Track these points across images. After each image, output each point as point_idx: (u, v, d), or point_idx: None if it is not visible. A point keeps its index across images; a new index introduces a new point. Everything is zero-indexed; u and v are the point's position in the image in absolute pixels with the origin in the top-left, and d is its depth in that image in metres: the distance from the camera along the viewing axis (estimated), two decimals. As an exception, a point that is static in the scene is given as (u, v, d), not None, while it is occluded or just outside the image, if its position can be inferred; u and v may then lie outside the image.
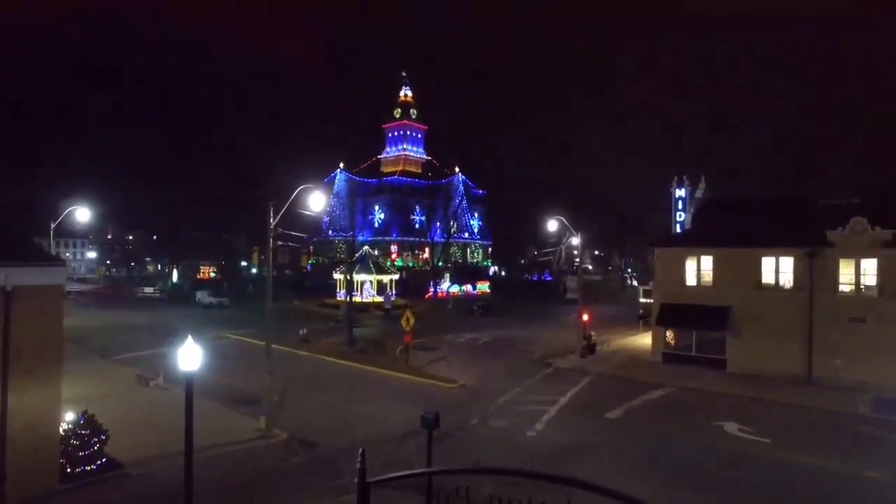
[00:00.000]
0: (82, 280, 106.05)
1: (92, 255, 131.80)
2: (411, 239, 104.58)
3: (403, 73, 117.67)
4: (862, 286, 29.64)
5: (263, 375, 22.42)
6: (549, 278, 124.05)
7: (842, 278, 30.09)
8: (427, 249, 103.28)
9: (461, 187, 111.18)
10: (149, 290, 78.42)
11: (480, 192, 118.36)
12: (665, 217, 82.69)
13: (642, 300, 45.47)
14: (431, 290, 79.03)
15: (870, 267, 29.39)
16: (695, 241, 35.50)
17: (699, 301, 33.94)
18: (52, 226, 50.52)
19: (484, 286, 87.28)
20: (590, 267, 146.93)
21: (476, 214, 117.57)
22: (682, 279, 34.87)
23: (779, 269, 31.82)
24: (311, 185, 21.19)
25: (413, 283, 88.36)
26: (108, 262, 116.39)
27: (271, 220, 20.37)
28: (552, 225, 39.32)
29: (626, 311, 58.96)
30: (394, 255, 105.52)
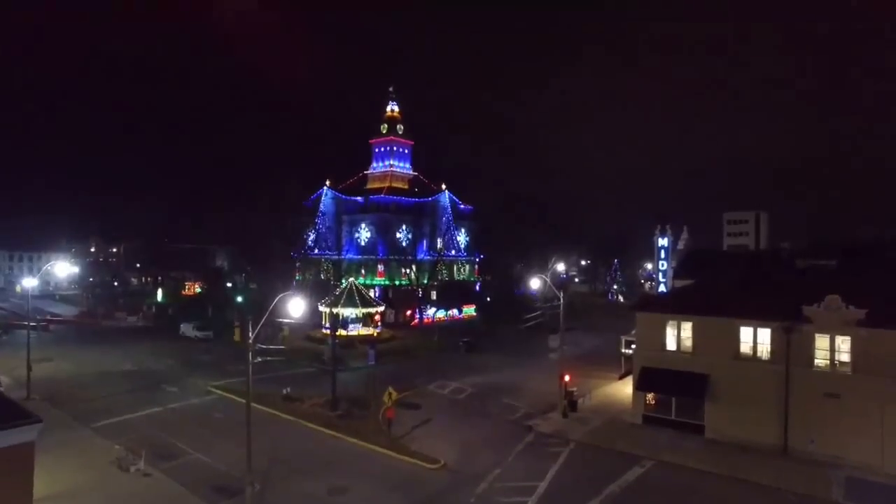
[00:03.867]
0: (64, 298, 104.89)
1: (75, 269, 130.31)
2: (398, 258, 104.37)
3: (390, 89, 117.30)
4: (836, 362, 30.16)
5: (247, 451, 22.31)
6: (536, 292, 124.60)
7: (817, 353, 30.59)
8: (414, 267, 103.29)
9: (448, 205, 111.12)
10: (132, 318, 77.71)
11: (467, 208, 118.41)
12: (648, 241, 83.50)
13: (623, 350, 45.85)
14: (417, 316, 79.17)
15: (844, 344, 29.90)
16: (675, 306, 35.83)
17: (679, 367, 34.36)
18: (33, 278, 50.12)
19: (470, 310, 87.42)
20: (577, 279, 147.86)
21: (463, 230, 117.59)
22: (663, 344, 35.25)
23: (756, 341, 32.27)
24: (290, 293, 21.14)
25: (400, 303, 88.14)
26: (91, 278, 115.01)
27: (250, 333, 20.31)
28: (535, 283, 39.47)
29: (609, 344, 59.20)
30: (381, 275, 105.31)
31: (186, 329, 66.66)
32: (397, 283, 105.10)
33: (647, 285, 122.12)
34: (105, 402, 39.23)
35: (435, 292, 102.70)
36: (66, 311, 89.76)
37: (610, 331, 68.01)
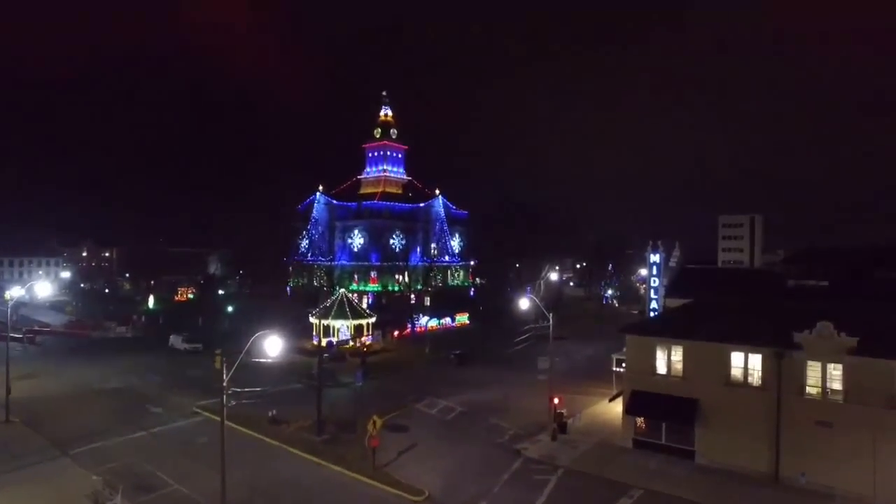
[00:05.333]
0: (55, 306, 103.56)
1: (66, 274, 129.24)
2: (391, 264, 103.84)
3: (384, 93, 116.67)
4: (828, 390, 29.65)
5: (229, 480, 21.62)
6: (529, 293, 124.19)
7: (808, 381, 30.08)
8: (407, 273, 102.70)
9: (442, 211, 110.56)
10: (121, 329, 76.90)
11: (461, 213, 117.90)
12: (642, 246, 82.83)
13: (615, 369, 45.30)
14: (410, 326, 78.57)
15: (836, 372, 29.40)
16: (665, 329, 35.26)
17: (669, 391, 33.86)
18: (21, 288, 49.27)
19: (463, 318, 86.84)
20: (571, 283, 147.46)
21: (457, 235, 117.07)
22: (653, 367, 34.72)
23: (747, 366, 31.76)
24: (267, 331, 20.52)
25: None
26: (82, 284, 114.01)
27: (224, 375, 19.67)
28: (524, 303, 39.01)
29: (601, 354, 58.54)
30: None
31: (175, 341, 65.94)
32: (391, 288, 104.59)
33: (642, 288, 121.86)
34: (86, 425, 38.43)
35: (428, 298, 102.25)
36: (56, 319, 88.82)
37: (603, 339, 67.22)
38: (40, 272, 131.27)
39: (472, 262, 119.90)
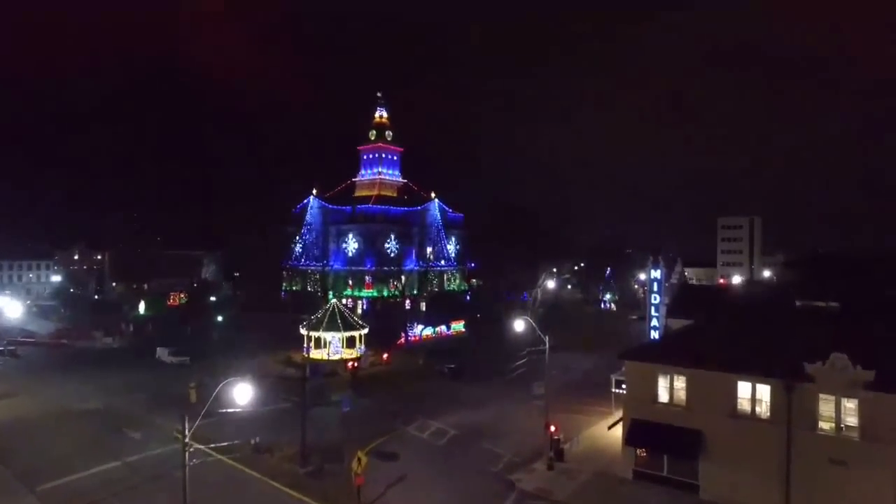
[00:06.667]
0: (43, 312, 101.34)
1: (56, 278, 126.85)
2: (387, 269, 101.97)
3: (379, 94, 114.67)
4: (843, 426, 27.83)
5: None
6: (526, 297, 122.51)
7: (821, 415, 28.26)
8: (403, 278, 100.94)
9: (437, 215, 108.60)
10: (108, 339, 74.93)
11: (458, 216, 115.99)
12: (642, 248, 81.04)
13: (614, 390, 43.44)
14: (404, 336, 76.71)
15: (851, 406, 27.57)
16: (667, 356, 33.36)
17: (671, 421, 32.04)
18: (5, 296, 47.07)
19: (459, 325, 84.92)
20: (569, 286, 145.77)
21: (453, 238, 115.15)
22: (655, 395, 32.90)
23: (755, 398, 29.93)
24: (236, 378, 18.64)
25: (386, 317, 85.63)
26: (71, 289, 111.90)
27: (186, 431, 17.79)
28: (519, 325, 37.27)
29: (600, 367, 56.72)
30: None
31: (162, 354, 64.09)
32: (386, 294, 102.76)
33: (641, 291, 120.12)
34: (58, 454, 36.42)
35: (424, 304, 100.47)
36: (43, 327, 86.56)
37: (602, 349, 65.01)
38: (30, 275, 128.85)
39: (469, 265, 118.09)
